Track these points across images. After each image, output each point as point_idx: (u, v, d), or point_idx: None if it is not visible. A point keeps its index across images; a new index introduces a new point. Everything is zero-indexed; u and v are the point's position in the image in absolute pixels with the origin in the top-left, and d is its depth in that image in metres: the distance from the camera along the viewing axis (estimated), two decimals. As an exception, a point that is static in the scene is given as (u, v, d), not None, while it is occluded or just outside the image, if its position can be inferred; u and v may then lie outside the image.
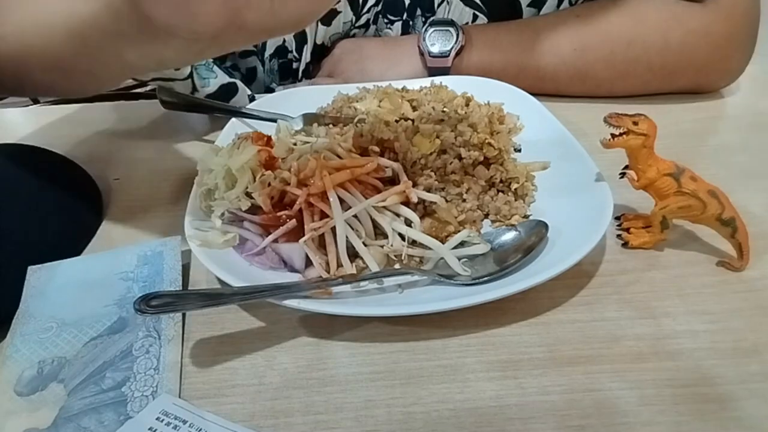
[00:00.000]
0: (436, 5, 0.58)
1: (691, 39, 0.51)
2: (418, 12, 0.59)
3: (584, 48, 0.52)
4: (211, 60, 0.55)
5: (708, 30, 0.51)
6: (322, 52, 0.62)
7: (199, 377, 0.31)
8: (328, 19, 0.58)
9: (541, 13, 0.57)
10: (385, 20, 0.59)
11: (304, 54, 0.60)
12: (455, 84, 0.51)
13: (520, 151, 0.47)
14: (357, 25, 0.60)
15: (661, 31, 0.51)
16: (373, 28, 0.60)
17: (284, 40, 0.59)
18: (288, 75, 0.63)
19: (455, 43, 0.53)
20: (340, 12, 0.58)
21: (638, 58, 0.52)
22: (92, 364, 0.31)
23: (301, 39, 0.59)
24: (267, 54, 0.61)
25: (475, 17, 0.58)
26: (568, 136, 0.45)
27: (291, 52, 0.60)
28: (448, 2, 0.57)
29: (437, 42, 0.54)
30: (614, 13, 0.53)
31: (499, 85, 0.54)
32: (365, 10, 0.58)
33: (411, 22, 0.60)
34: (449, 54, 0.53)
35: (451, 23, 0.54)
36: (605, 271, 0.36)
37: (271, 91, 0.63)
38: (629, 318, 0.33)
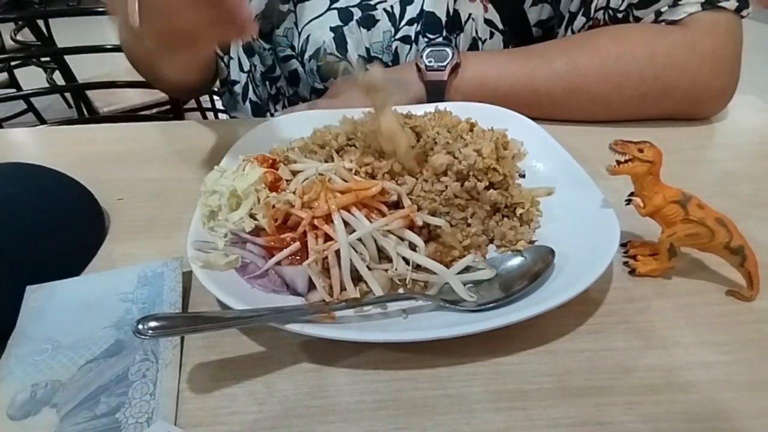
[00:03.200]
0: (463, 22, 0.61)
1: (677, 52, 0.53)
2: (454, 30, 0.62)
3: (575, 63, 0.55)
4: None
5: (693, 43, 0.52)
6: (368, 60, 0.63)
7: (196, 403, 0.30)
8: (367, 23, 0.61)
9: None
10: (426, 39, 0.62)
11: (348, 55, 0.62)
12: (458, 110, 0.52)
13: (524, 176, 0.47)
14: (397, 37, 0.62)
15: (647, 44, 0.53)
16: (414, 48, 0.62)
17: (324, 41, 0.62)
18: (328, 77, 0.64)
19: (451, 59, 0.56)
20: (379, 20, 0.61)
21: (629, 70, 0.53)
22: (86, 388, 0.30)
23: (340, 40, 0.62)
24: (306, 56, 0.63)
25: (492, 34, 0.62)
26: (572, 163, 0.45)
27: (331, 54, 0.62)
28: (473, 19, 0.61)
29: (434, 59, 0.57)
30: (600, 34, 0.56)
31: (503, 112, 0.54)
32: (403, 23, 0.62)
33: (452, 37, 0.62)
34: (445, 68, 0.56)
35: (447, 45, 0.58)
36: (613, 299, 0.35)
37: (318, 91, 0.65)
38: (639, 348, 0.32)
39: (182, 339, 0.33)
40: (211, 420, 0.29)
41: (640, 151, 0.34)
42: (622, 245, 0.39)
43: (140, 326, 0.27)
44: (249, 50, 0.64)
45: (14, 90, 1.83)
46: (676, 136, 0.55)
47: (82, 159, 0.55)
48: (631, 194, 0.37)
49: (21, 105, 1.97)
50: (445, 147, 0.42)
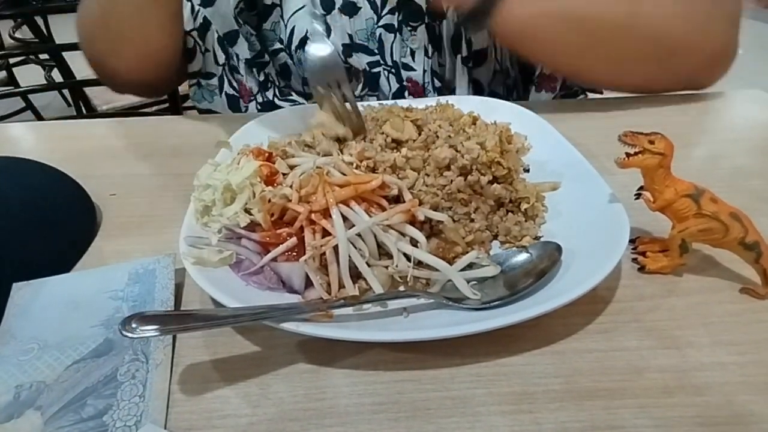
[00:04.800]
0: (445, 8, 0.59)
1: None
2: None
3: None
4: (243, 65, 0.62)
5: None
6: (353, 47, 0.63)
7: (187, 406, 0.29)
8: (349, 10, 0.61)
9: None
10: (408, 27, 0.61)
11: (330, 41, 0.61)
12: (460, 104, 0.50)
13: (528, 171, 0.46)
14: (380, 24, 0.61)
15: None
16: (399, 37, 0.62)
17: (306, 31, 0.61)
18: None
19: None
20: (360, 7, 0.61)
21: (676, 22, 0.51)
22: (73, 390, 0.29)
23: (324, 29, 0.61)
24: (293, 46, 0.63)
25: None
26: (578, 157, 0.43)
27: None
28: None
29: None
30: None
31: (506, 105, 0.53)
32: (385, 11, 0.61)
33: (434, 25, 0.61)
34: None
35: None
36: (622, 297, 0.34)
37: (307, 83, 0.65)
38: (651, 348, 0.31)
39: (174, 339, 0.32)
40: (203, 423, 0.28)
41: (651, 142, 0.33)
42: (631, 241, 0.38)
43: (127, 324, 0.26)
44: (228, 41, 0.63)
45: (12, 87, 1.82)
46: (684, 131, 0.54)
47: (75, 154, 0.54)
48: (641, 188, 0.35)
49: (20, 103, 1.96)
50: (447, 141, 0.41)
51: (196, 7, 0.61)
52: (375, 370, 0.30)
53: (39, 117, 1.93)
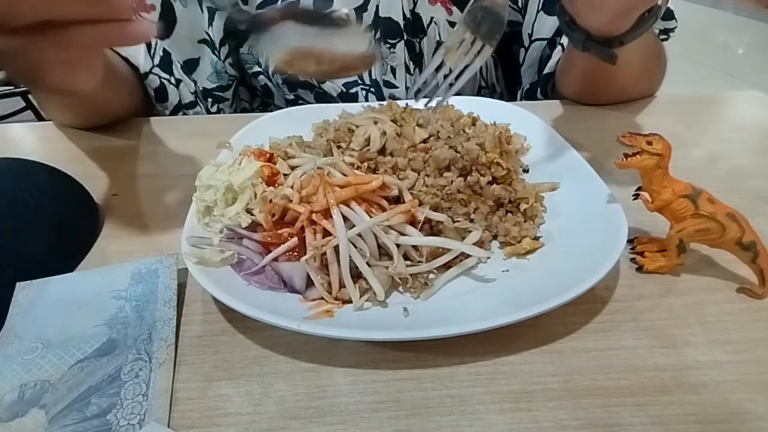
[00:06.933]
0: (425, 25, 0.60)
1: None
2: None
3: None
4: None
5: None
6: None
7: (190, 405, 0.29)
8: None
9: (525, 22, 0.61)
10: (387, 45, 0.61)
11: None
12: (460, 105, 0.51)
13: (527, 171, 0.46)
14: None
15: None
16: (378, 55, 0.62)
17: None
18: (297, 87, 0.65)
19: None
20: None
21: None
22: (77, 388, 0.29)
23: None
24: (270, 70, 0.63)
25: None
26: (576, 157, 0.44)
27: None
28: (435, 23, 0.60)
29: None
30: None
31: (506, 106, 0.54)
32: (361, 30, 0.60)
33: (415, 41, 0.61)
34: None
35: None
36: (620, 297, 0.34)
37: (291, 102, 0.66)
38: (648, 347, 0.31)
39: (177, 338, 0.32)
40: (205, 422, 0.28)
41: (649, 143, 0.33)
42: (629, 241, 0.38)
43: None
44: (188, 68, 0.62)
45: (12, 87, 1.82)
46: (682, 132, 0.54)
47: (77, 155, 0.54)
48: (639, 189, 0.36)
49: (20, 103, 1.96)
50: (447, 141, 0.41)
51: (153, 41, 0.59)
52: (375, 368, 0.30)
53: (39, 117, 1.93)
